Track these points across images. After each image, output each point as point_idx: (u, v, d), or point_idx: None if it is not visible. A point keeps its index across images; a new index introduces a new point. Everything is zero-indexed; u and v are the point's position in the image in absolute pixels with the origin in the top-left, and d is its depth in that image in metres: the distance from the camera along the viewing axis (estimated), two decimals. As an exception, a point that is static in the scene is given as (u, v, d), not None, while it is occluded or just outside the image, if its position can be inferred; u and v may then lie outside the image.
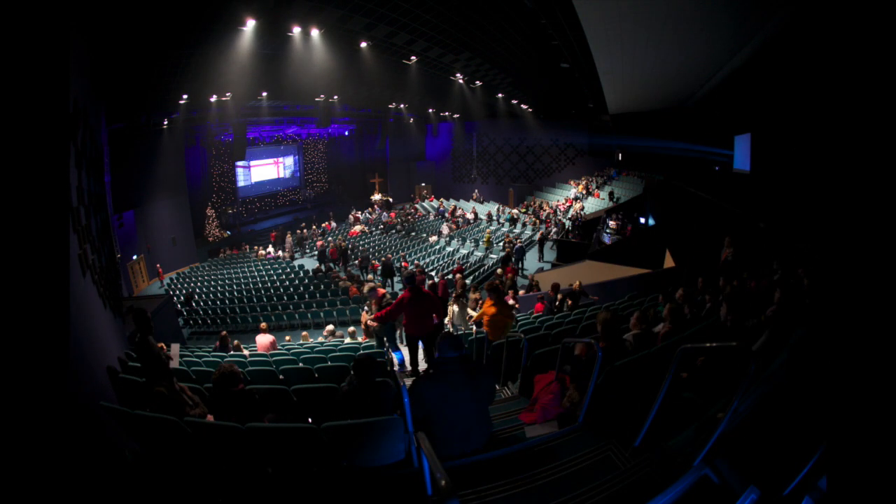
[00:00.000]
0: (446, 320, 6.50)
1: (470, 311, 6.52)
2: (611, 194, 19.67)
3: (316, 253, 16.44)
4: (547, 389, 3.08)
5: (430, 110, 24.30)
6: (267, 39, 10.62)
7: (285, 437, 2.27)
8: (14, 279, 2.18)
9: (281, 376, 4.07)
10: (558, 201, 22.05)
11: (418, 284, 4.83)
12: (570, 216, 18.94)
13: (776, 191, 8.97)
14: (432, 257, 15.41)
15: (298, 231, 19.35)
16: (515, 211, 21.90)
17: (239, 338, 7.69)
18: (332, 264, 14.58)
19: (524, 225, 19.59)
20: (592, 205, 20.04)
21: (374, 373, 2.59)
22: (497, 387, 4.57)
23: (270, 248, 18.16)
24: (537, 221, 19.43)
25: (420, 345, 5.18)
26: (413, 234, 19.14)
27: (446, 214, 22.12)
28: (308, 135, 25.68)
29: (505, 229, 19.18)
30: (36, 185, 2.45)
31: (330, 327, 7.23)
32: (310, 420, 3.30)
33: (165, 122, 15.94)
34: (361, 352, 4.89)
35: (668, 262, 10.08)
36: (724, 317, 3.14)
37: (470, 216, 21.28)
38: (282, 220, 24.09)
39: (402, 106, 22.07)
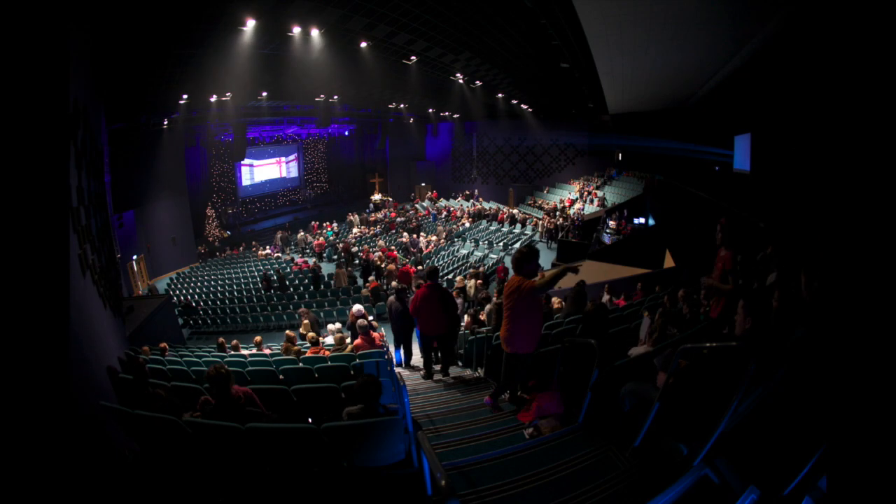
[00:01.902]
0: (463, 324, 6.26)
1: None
2: (601, 201, 19.63)
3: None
4: (545, 395, 3.07)
5: (430, 110, 24.27)
6: (267, 39, 10.61)
7: (285, 438, 2.27)
8: (14, 279, 2.17)
9: (281, 376, 4.07)
10: (565, 198, 22.01)
11: (437, 282, 4.70)
12: (568, 215, 18.92)
13: (776, 191, 8.97)
14: (434, 257, 15.41)
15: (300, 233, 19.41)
16: (515, 211, 21.88)
17: (239, 338, 7.68)
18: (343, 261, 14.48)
19: (524, 225, 19.57)
20: (589, 209, 20.01)
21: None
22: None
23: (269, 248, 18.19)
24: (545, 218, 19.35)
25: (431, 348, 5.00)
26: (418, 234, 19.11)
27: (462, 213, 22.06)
28: (308, 135, 25.67)
29: (505, 229, 19.17)
30: (36, 185, 2.45)
31: (333, 325, 7.14)
32: (310, 420, 3.30)
33: (165, 122, 15.93)
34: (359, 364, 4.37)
35: (669, 262, 10.08)
36: (740, 322, 2.23)
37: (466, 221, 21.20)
38: (282, 220, 24.11)
39: (402, 106, 22.05)
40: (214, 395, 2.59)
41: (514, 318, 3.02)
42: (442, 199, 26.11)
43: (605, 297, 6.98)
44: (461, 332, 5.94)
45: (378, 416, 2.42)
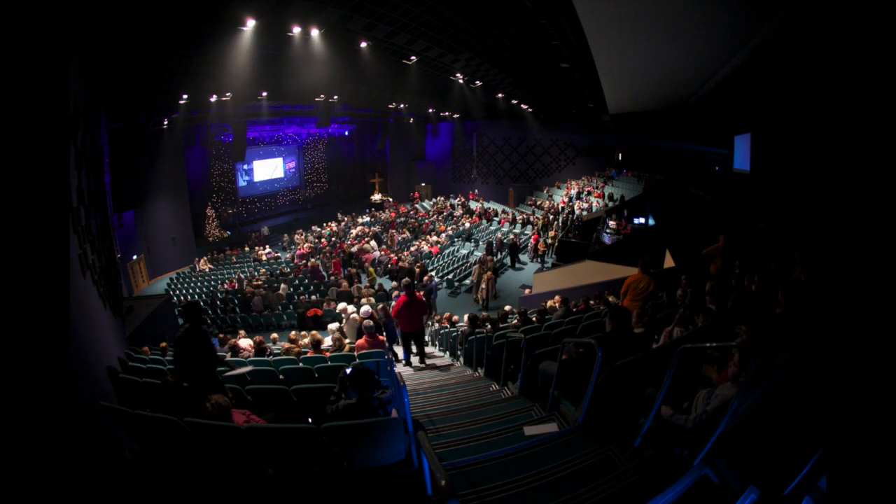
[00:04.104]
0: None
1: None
2: (610, 196, 19.59)
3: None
4: None
5: (430, 110, 24.28)
6: (267, 39, 10.61)
7: (285, 438, 2.27)
8: (14, 279, 2.17)
9: (281, 376, 4.07)
10: (562, 199, 22.03)
11: (413, 292, 6.08)
12: (565, 216, 18.95)
13: (776, 191, 8.97)
14: (434, 257, 15.42)
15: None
16: (513, 212, 21.88)
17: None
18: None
19: (524, 225, 19.60)
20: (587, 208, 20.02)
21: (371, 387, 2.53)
22: (496, 386, 4.59)
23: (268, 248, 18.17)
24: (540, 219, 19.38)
25: (412, 342, 6.38)
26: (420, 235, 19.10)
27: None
28: (308, 135, 25.69)
29: (505, 229, 19.18)
30: (36, 186, 2.45)
31: (333, 325, 7.17)
32: (310, 420, 3.30)
33: (165, 122, 15.94)
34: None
35: (669, 262, 10.06)
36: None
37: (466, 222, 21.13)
38: (282, 220, 24.11)
39: (402, 106, 22.05)
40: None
41: None
42: (441, 198, 26.06)
43: (554, 304, 6.72)
44: (445, 330, 7.38)
45: (371, 406, 2.44)
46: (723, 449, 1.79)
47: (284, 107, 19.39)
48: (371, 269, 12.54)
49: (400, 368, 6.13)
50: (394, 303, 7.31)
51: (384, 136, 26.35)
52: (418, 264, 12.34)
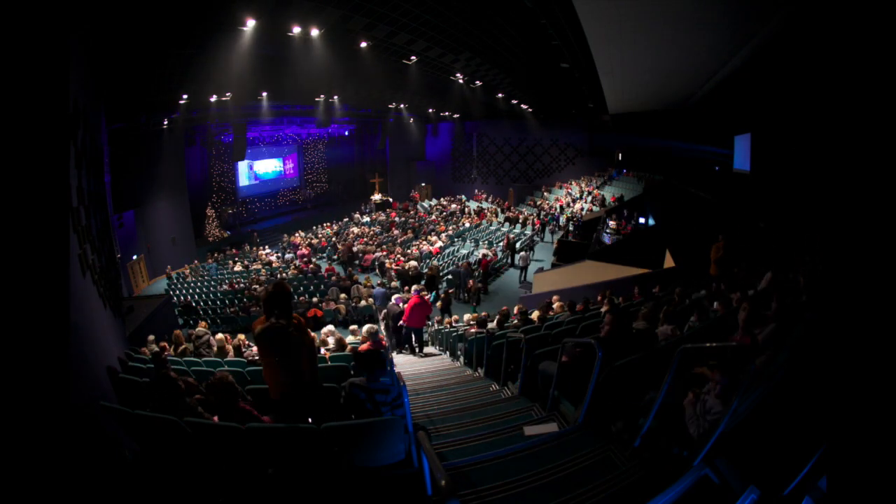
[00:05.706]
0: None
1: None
2: (601, 201, 19.49)
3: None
4: None
5: (430, 110, 24.27)
6: (267, 39, 10.60)
7: (285, 438, 2.27)
8: (14, 279, 2.17)
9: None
10: (559, 198, 22.04)
11: (423, 296, 7.21)
12: (567, 216, 18.95)
13: (776, 191, 8.97)
14: (434, 257, 15.42)
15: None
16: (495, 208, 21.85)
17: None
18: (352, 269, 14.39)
19: (524, 224, 19.60)
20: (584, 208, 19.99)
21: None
22: (496, 386, 4.59)
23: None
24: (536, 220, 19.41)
25: (412, 336, 7.58)
26: (420, 235, 19.10)
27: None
28: (308, 135, 25.68)
29: (505, 229, 19.18)
30: (36, 186, 2.45)
31: (329, 328, 7.15)
32: (310, 420, 3.30)
33: (165, 122, 15.92)
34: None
35: (669, 262, 10.07)
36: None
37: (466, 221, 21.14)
38: (282, 220, 24.10)
39: (402, 106, 22.04)
40: (219, 405, 2.59)
41: None
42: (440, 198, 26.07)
43: (556, 305, 6.79)
44: (445, 330, 8.03)
45: (357, 399, 2.53)
46: (723, 449, 1.79)
47: (284, 107, 19.38)
48: (367, 280, 12.48)
49: (400, 363, 6.66)
50: (403, 305, 7.75)
51: (384, 136, 26.34)
52: (429, 269, 12.16)
